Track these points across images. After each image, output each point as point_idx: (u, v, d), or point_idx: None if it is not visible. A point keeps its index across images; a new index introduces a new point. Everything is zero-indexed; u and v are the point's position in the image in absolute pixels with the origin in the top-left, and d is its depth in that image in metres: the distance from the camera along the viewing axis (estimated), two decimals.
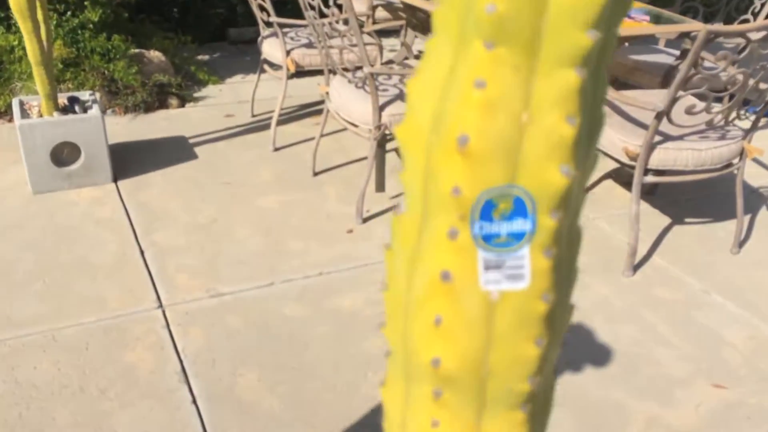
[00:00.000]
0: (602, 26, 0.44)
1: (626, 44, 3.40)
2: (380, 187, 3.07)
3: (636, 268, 2.61)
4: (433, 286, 0.51)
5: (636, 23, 2.82)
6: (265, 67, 3.55)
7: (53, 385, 2.00)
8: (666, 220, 2.98)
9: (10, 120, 3.45)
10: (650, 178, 2.54)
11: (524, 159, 0.47)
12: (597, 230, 2.88)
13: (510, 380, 0.53)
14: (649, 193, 3.17)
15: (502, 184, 0.48)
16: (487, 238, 0.50)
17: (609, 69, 3.30)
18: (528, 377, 0.53)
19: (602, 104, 0.51)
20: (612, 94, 2.58)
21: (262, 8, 3.26)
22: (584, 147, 0.49)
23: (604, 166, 3.40)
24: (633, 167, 2.53)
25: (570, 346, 2.21)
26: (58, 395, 1.97)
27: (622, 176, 3.24)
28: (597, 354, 2.18)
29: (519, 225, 0.49)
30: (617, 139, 2.54)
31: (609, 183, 3.29)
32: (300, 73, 3.32)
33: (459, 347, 0.52)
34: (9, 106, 3.43)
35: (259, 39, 3.47)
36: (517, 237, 0.50)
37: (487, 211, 0.48)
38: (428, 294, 0.52)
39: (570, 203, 0.49)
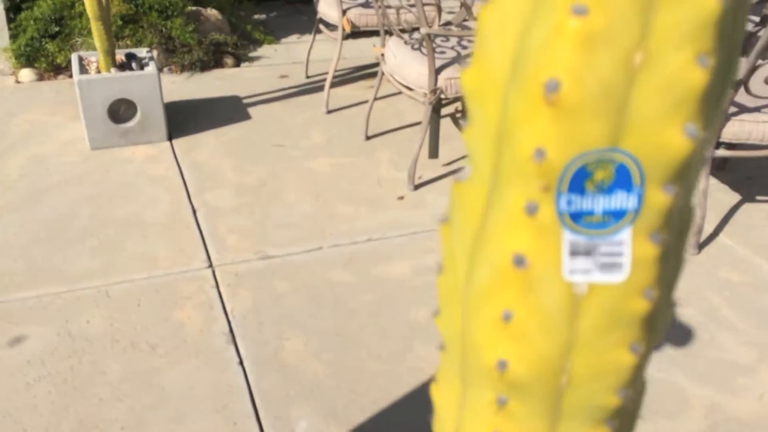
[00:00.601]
0: None
1: None
2: (434, 153, 2.96)
3: (701, 246, 2.44)
4: (503, 273, 0.41)
5: None
6: (321, 27, 3.45)
7: (105, 339, 1.99)
8: (735, 197, 2.78)
9: (71, 75, 3.45)
10: (721, 152, 2.36)
11: (634, 114, 0.36)
12: None
13: (595, 391, 0.43)
14: (719, 168, 2.96)
15: (602, 146, 0.37)
16: (577, 216, 0.39)
17: None
18: (618, 389, 0.43)
19: (741, 41, 0.38)
20: None
21: None
22: (715, 99, 0.37)
23: None
24: None
25: None
26: (110, 350, 1.96)
27: None
28: None
29: (620, 200, 0.38)
30: None
31: None
32: (355, 33, 3.20)
33: (532, 349, 0.42)
34: (70, 62, 3.42)
35: None
36: (617, 216, 0.39)
37: (579, 182, 0.38)
38: (496, 283, 0.42)
39: (690, 174, 0.38)
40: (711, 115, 0.38)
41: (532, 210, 0.39)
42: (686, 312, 2.14)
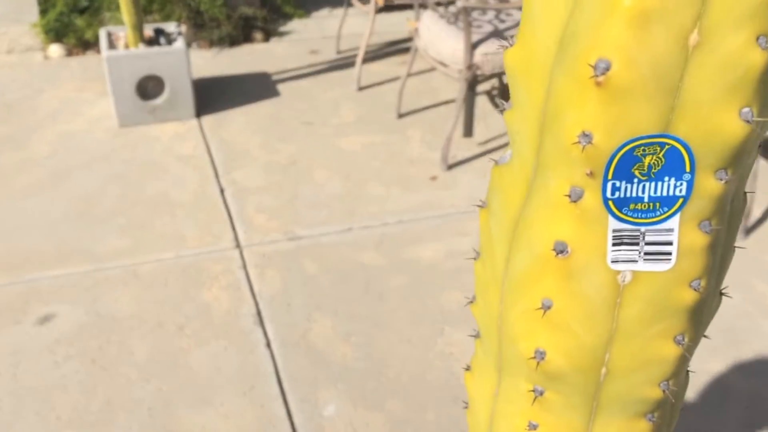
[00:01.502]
0: None
1: None
2: (468, 132, 2.94)
3: (749, 231, 2.40)
4: (544, 260, 0.41)
5: None
6: (352, 0, 3.43)
7: (133, 319, 2.03)
8: None
9: (100, 51, 3.49)
10: None
11: (688, 97, 0.35)
12: None
13: (636, 383, 0.42)
14: None
15: (653, 131, 0.36)
16: (623, 203, 0.38)
17: None
18: (660, 381, 0.42)
19: None
20: None
21: None
22: None
23: None
24: None
25: None
26: (137, 329, 1.99)
27: None
28: None
29: (669, 187, 0.38)
30: None
31: None
32: (389, 7, 3.18)
33: (572, 339, 0.41)
34: (98, 37, 3.46)
35: None
36: (666, 203, 0.38)
37: (626, 167, 0.37)
38: (536, 270, 0.41)
39: (744, 161, 0.37)
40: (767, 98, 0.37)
41: (576, 196, 0.39)
42: (731, 300, 2.11)
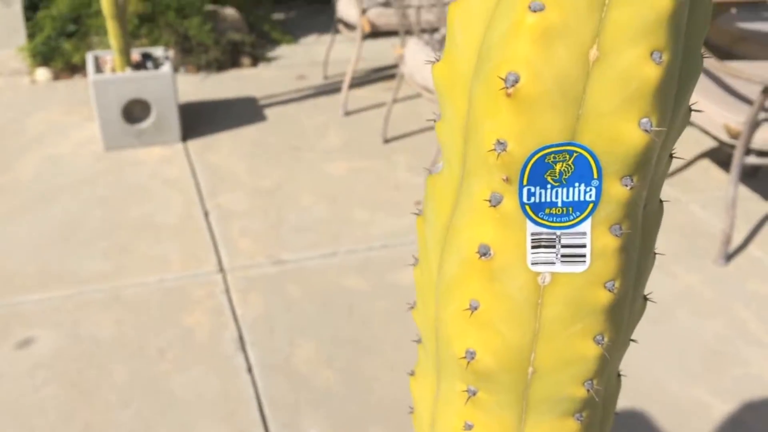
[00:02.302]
0: None
1: (733, 10, 3.16)
2: None
3: (729, 257, 2.43)
4: (470, 263, 0.44)
5: None
6: (340, 27, 3.49)
7: (114, 343, 2.04)
8: (767, 207, 2.76)
9: (87, 75, 3.53)
10: (752, 160, 2.35)
11: (591, 108, 0.38)
12: (688, 214, 2.70)
13: (561, 382, 0.45)
14: (750, 176, 2.94)
15: (560, 139, 0.39)
16: (539, 208, 0.41)
17: (712, 37, 3.08)
18: (584, 380, 0.45)
19: (701, 39, 0.41)
20: (714, 64, 2.39)
21: None
22: (672, 96, 0.39)
23: (699, 143, 3.19)
24: (733, 146, 2.34)
25: (650, 339, 2.08)
26: (118, 353, 2.00)
27: (719, 156, 3.02)
28: (680, 349, 2.05)
29: (579, 193, 0.41)
30: (717, 114, 2.35)
31: (705, 163, 3.08)
32: (375, 34, 3.24)
33: (498, 338, 0.44)
34: (86, 61, 3.50)
35: None
36: (577, 208, 0.41)
37: (539, 174, 0.40)
38: (463, 273, 0.44)
39: (648, 169, 0.40)
40: (670, 110, 0.40)
41: (495, 201, 0.41)
42: (712, 324, 2.14)
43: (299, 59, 4.04)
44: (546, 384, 0.45)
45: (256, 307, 2.18)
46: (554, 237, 0.42)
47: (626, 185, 0.40)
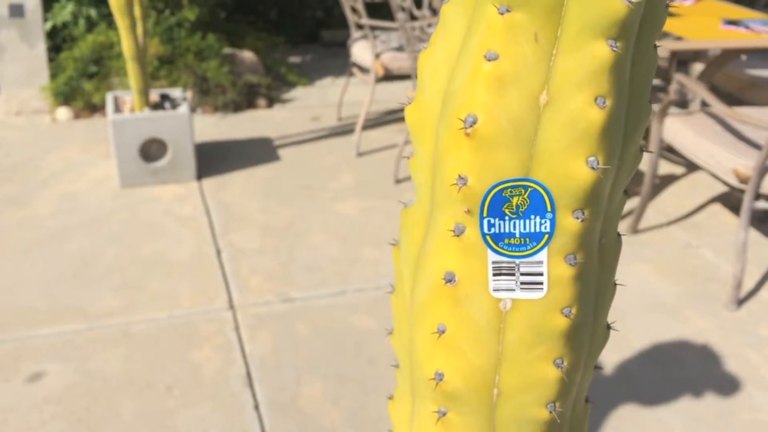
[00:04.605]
0: None
1: (743, 57, 3.20)
2: None
3: (741, 302, 2.43)
4: (437, 289, 0.47)
5: (754, 34, 2.64)
6: (354, 70, 3.58)
7: (122, 379, 2.06)
8: None
9: (106, 114, 3.63)
10: (762, 204, 2.37)
11: (542, 147, 0.42)
12: (699, 259, 2.71)
13: (525, 404, 0.47)
14: (762, 221, 2.95)
15: (516, 175, 0.43)
16: (498, 238, 0.45)
17: (722, 83, 3.12)
18: (547, 403, 0.48)
19: (648, 86, 0.45)
20: (723, 110, 2.42)
21: (354, 10, 3.29)
22: (620, 137, 0.43)
23: (711, 188, 3.21)
24: (743, 191, 2.36)
25: (660, 382, 2.07)
26: (126, 389, 2.02)
27: (731, 200, 3.03)
28: (688, 393, 2.04)
29: (535, 224, 0.44)
30: (726, 159, 2.38)
31: (716, 208, 3.09)
32: (388, 77, 3.32)
33: (465, 361, 0.47)
34: (106, 101, 3.60)
35: (349, 41, 3.50)
36: (534, 238, 0.44)
37: (497, 206, 0.44)
38: (431, 298, 0.47)
39: (599, 203, 0.44)
40: (618, 150, 0.43)
41: (459, 231, 0.45)
42: (721, 369, 2.13)
43: (314, 101, 4.13)
44: (511, 406, 0.48)
45: (265, 344, 2.20)
46: (513, 265, 0.46)
47: (578, 218, 0.44)
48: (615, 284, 0.52)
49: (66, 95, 3.68)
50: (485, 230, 0.45)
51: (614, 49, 0.40)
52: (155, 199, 3.00)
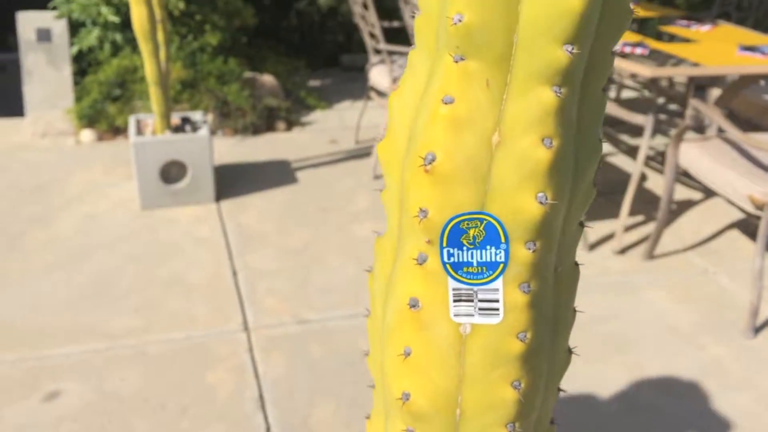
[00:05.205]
0: (584, 41, 0.42)
1: (762, 83, 3.20)
2: None
3: (758, 330, 2.41)
4: (403, 313, 0.50)
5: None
6: (372, 94, 3.63)
7: (137, 398, 2.10)
8: None
9: (129, 137, 3.72)
10: None
11: (495, 183, 0.45)
12: (716, 285, 2.70)
13: (485, 425, 0.50)
14: None
15: (472, 209, 0.46)
16: (457, 267, 0.48)
17: (741, 109, 3.12)
18: (506, 423, 0.50)
19: (597, 129, 0.48)
20: (738, 136, 2.43)
21: (372, 35, 3.35)
22: (569, 174, 0.46)
23: (728, 215, 3.19)
24: (759, 217, 2.35)
25: (676, 411, 2.07)
26: (141, 409, 2.06)
27: (748, 227, 3.02)
28: (707, 423, 2.03)
29: (491, 254, 0.47)
30: (741, 186, 2.38)
31: (733, 234, 3.08)
32: None
33: (429, 382, 0.50)
34: (128, 123, 3.69)
35: (367, 66, 3.57)
36: (490, 267, 0.48)
37: (456, 237, 0.47)
38: (398, 322, 0.51)
39: (551, 235, 0.47)
40: (568, 186, 0.46)
41: (422, 260, 0.48)
42: (740, 398, 2.11)
43: (332, 124, 4.19)
44: (473, 425, 0.51)
45: (279, 366, 2.23)
46: (472, 292, 0.49)
47: (530, 249, 0.47)
48: (574, 310, 0.54)
49: (90, 118, 3.78)
50: (445, 259, 0.48)
51: (558, 94, 0.44)
52: (174, 221, 3.06)
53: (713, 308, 2.54)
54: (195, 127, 3.23)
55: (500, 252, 0.48)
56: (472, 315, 0.49)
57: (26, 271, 2.70)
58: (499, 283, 0.48)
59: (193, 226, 3.03)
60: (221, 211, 3.15)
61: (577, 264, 0.54)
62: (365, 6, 3.18)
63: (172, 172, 3.13)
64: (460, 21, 0.42)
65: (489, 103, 0.45)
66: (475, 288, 0.49)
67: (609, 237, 2.99)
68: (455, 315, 0.49)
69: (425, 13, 0.46)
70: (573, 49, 0.42)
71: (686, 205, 3.32)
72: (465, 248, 0.48)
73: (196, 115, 3.31)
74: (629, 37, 2.89)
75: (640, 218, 3.17)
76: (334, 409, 2.06)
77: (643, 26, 3.24)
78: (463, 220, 0.47)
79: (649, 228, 3.00)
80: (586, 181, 0.49)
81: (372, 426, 0.60)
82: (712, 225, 3.15)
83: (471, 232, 0.47)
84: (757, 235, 2.36)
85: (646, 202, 3.28)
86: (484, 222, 0.47)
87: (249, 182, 3.43)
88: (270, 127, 3.98)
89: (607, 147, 3.92)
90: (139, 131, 3.18)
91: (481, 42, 0.42)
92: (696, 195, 3.42)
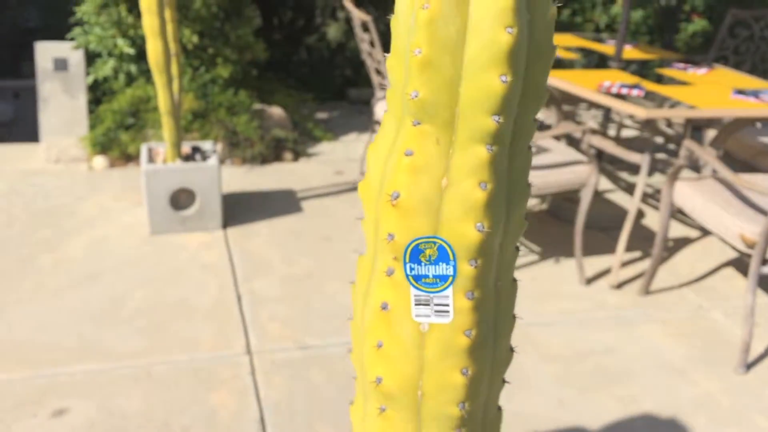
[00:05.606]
0: (508, 113, 0.57)
1: (758, 125, 3.35)
2: None
3: (750, 366, 2.53)
4: (376, 314, 0.65)
5: (762, 104, 2.80)
6: (377, 127, 3.80)
7: (141, 418, 2.23)
8: None
9: (140, 164, 3.89)
10: None
11: (445, 215, 0.60)
12: (710, 321, 2.82)
13: (441, 404, 0.64)
14: None
15: (427, 234, 0.61)
16: (418, 278, 0.62)
17: (736, 150, 3.26)
18: (458, 403, 0.64)
19: (525, 175, 0.63)
20: (730, 176, 2.57)
21: (378, 72, 3.53)
22: (502, 210, 0.61)
23: (725, 253, 3.32)
24: (750, 256, 2.48)
25: None
26: (144, 427, 2.18)
27: (743, 265, 3.14)
28: None
29: (443, 269, 0.62)
30: (733, 224, 2.51)
31: (728, 271, 3.20)
32: None
33: (396, 369, 0.64)
34: (140, 151, 3.87)
35: (373, 100, 3.74)
36: (443, 279, 0.62)
37: (416, 255, 0.62)
38: (373, 321, 0.65)
39: (490, 255, 0.61)
40: (502, 218, 0.61)
41: (390, 272, 0.63)
42: None
43: (338, 155, 4.36)
44: (432, 404, 0.65)
45: (280, 389, 2.35)
46: (429, 298, 0.63)
47: (472, 265, 0.62)
48: (514, 317, 0.69)
49: (103, 145, 3.97)
50: (408, 272, 0.63)
51: (490, 150, 0.59)
52: (182, 246, 3.21)
53: (707, 344, 2.66)
54: (205, 156, 3.39)
55: (450, 267, 0.63)
56: (429, 316, 0.64)
57: (37, 292, 2.84)
58: (449, 291, 0.63)
59: (200, 252, 3.18)
60: (228, 238, 3.30)
61: (515, 280, 0.68)
62: (372, 44, 3.36)
63: (181, 199, 3.29)
64: (416, 96, 0.58)
65: (439, 156, 0.61)
66: (431, 295, 0.64)
67: (606, 272, 3.12)
68: (416, 316, 0.64)
69: (393, 88, 0.62)
70: (499, 118, 0.58)
71: (683, 243, 3.46)
72: (423, 264, 0.63)
73: (206, 145, 3.48)
74: (627, 79, 3.05)
75: (636, 254, 3.30)
76: None
77: (644, 68, 3.40)
78: (421, 242, 0.62)
79: (646, 264, 3.13)
80: (518, 215, 0.64)
81: (354, 409, 0.74)
82: (708, 262, 3.27)
83: (427, 251, 0.62)
84: (749, 273, 2.48)
85: (643, 239, 3.41)
86: (437, 244, 0.62)
87: (256, 210, 3.58)
88: (277, 158, 4.15)
89: (606, 184, 4.07)
90: (151, 159, 3.35)
91: (432, 112, 0.58)
92: (693, 233, 3.56)
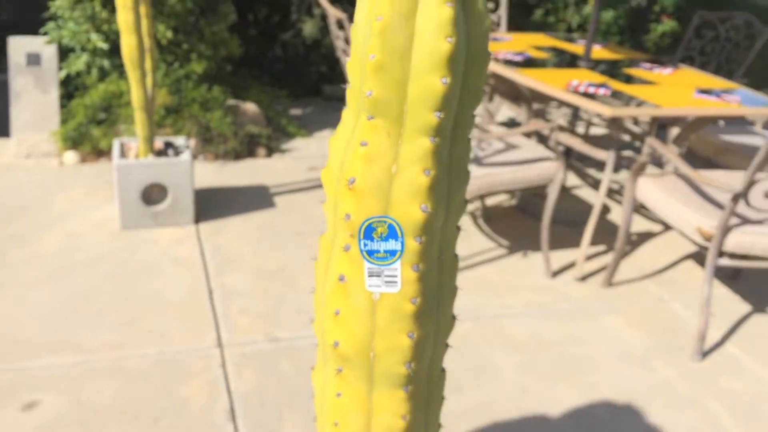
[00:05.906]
0: (449, 109, 0.67)
1: (721, 123, 3.50)
2: None
3: (706, 354, 2.66)
4: (335, 285, 0.74)
5: (722, 103, 2.94)
6: None
7: (112, 410, 2.29)
8: (746, 308, 3.00)
9: (112, 159, 3.94)
10: (726, 262, 2.62)
11: (394, 198, 0.70)
12: (669, 312, 2.95)
13: (391, 364, 0.74)
14: (733, 278, 3.20)
15: (379, 214, 0.70)
16: (370, 253, 0.72)
17: (699, 148, 3.40)
18: (405, 363, 0.74)
19: (464, 163, 0.73)
20: (689, 172, 2.70)
21: None
22: (445, 193, 0.71)
23: (685, 247, 3.46)
24: (707, 248, 2.61)
25: (626, 429, 2.29)
26: (116, 420, 2.25)
27: (703, 258, 3.28)
28: None
29: (392, 245, 0.72)
30: (692, 218, 2.64)
31: (689, 264, 3.34)
32: None
33: (352, 333, 0.74)
34: (112, 146, 3.91)
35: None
36: (392, 253, 0.72)
37: (369, 233, 0.71)
38: (332, 291, 0.75)
39: (433, 233, 0.71)
40: (444, 201, 0.71)
41: (347, 248, 0.72)
42: (684, 418, 2.34)
43: (312, 151, 4.44)
44: (382, 364, 0.74)
45: (250, 381, 2.43)
46: (380, 270, 0.73)
47: (418, 241, 0.71)
48: (455, 287, 0.79)
49: (74, 140, 4.01)
50: (362, 248, 0.72)
51: (433, 141, 0.69)
52: (153, 241, 3.27)
53: (666, 333, 2.79)
54: (177, 152, 3.45)
55: (398, 243, 0.72)
56: (380, 286, 0.73)
57: (8, 287, 2.89)
58: (398, 264, 0.73)
59: (172, 246, 3.24)
60: (200, 233, 3.37)
61: (456, 255, 0.78)
62: (347, 41, 3.45)
63: (153, 195, 3.35)
64: (371, 94, 0.67)
65: (389, 146, 0.70)
66: (382, 267, 0.73)
67: (571, 265, 3.25)
68: (369, 286, 0.73)
69: (352, 87, 0.72)
70: (441, 114, 0.68)
71: (645, 237, 3.60)
72: (375, 240, 0.72)
73: (179, 140, 3.54)
74: (594, 78, 3.18)
75: (601, 248, 3.43)
76: (303, 423, 2.26)
77: (613, 68, 3.53)
78: (374, 221, 0.72)
79: (609, 257, 3.25)
80: (458, 198, 0.74)
81: (316, 373, 0.84)
82: (669, 255, 3.41)
83: (379, 229, 0.72)
84: (705, 264, 2.61)
85: (608, 233, 3.54)
86: (388, 223, 0.72)
87: (228, 206, 3.65)
88: (251, 154, 4.22)
89: (573, 179, 4.20)
90: (123, 154, 3.40)
91: (384, 108, 0.68)
92: (655, 227, 3.70)
